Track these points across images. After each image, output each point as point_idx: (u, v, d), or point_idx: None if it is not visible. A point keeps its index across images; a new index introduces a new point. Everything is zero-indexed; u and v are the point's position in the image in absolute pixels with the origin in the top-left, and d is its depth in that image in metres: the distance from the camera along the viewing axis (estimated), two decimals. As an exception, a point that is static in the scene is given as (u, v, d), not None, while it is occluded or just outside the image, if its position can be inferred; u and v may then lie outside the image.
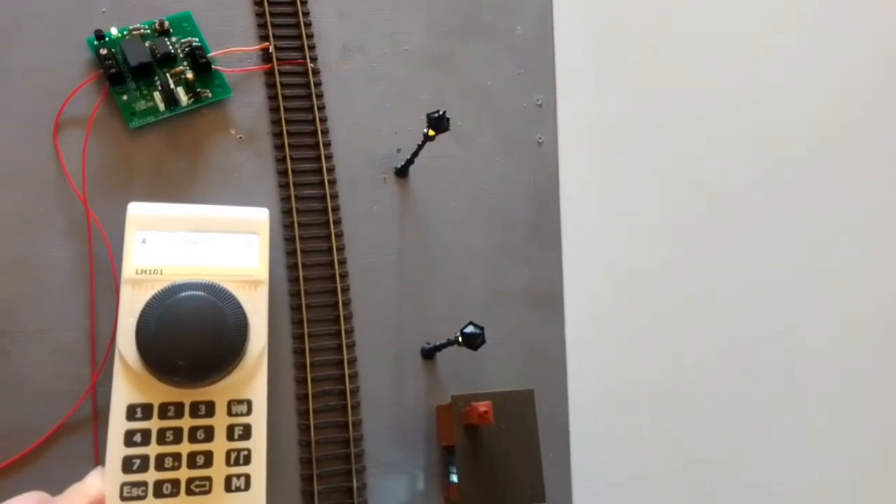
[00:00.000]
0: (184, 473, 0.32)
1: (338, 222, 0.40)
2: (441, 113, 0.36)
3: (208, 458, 0.32)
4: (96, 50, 0.39)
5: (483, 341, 0.34)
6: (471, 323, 0.34)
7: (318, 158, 0.41)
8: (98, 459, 0.35)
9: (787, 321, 0.47)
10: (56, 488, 0.30)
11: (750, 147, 0.50)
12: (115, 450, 0.32)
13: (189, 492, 0.32)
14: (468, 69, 0.46)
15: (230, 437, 0.33)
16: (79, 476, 0.31)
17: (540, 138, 0.45)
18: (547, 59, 0.47)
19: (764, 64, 0.52)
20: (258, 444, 0.33)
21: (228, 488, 0.32)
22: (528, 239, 0.44)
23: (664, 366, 0.45)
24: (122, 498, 0.31)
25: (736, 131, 0.50)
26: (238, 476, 0.33)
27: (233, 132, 0.41)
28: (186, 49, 0.40)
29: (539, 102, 0.46)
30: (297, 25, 0.42)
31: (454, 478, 0.37)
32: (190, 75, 0.40)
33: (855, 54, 0.53)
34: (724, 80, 0.51)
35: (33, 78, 0.39)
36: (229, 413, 0.33)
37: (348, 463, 0.37)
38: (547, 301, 0.43)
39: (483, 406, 0.34)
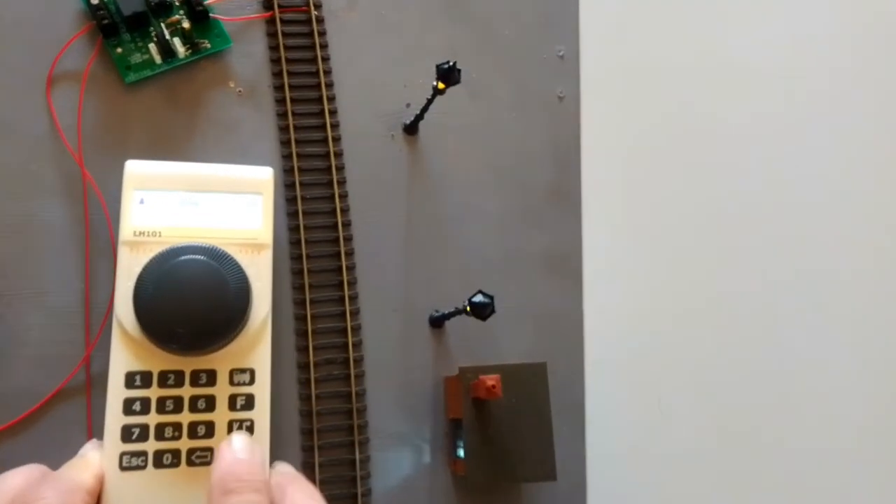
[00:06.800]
0: (185, 444, 0.31)
1: (342, 182, 0.39)
2: (451, 64, 0.34)
3: (210, 429, 0.31)
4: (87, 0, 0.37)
5: (492, 311, 0.33)
6: (480, 292, 0.33)
7: (322, 113, 0.39)
8: (91, 428, 0.34)
9: (812, 291, 0.45)
10: (51, 455, 0.29)
11: (783, 102, 0.47)
12: (114, 418, 0.31)
13: (190, 462, 0.31)
14: (484, 17, 0.43)
15: (232, 407, 0.32)
16: (74, 443, 0.31)
17: (561, 93, 0.43)
18: (570, 5, 0.44)
19: (800, 25, 0.48)
20: (261, 414, 0.32)
21: (230, 459, 0.32)
22: (546, 201, 0.42)
23: (687, 337, 0.43)
24: (122, 468, 0.30)
25: (772, 89, 0.47)
26: None
27: (232, 85, 0.39)
28: (182, -4, 0.38)
29: (560, 54, 0.43)
30: (301, -30, 0.40)
31: (461, 452, 0.36)
32: (186, 25, 0.38)
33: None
34: (761, 29, 0.47)
35: (23, 28, 0.37)
36: (231, 382, 0.32)
37: (351, 435, 0.36)
38: (565, 268, 0.41)
39: (490, 380, 0.33)
